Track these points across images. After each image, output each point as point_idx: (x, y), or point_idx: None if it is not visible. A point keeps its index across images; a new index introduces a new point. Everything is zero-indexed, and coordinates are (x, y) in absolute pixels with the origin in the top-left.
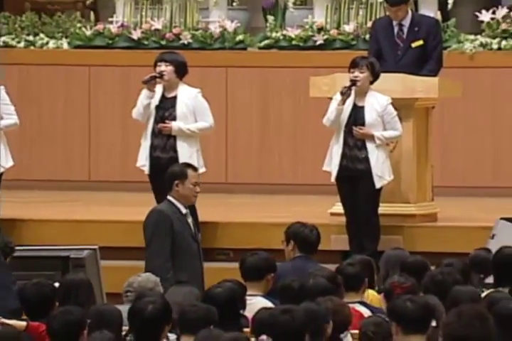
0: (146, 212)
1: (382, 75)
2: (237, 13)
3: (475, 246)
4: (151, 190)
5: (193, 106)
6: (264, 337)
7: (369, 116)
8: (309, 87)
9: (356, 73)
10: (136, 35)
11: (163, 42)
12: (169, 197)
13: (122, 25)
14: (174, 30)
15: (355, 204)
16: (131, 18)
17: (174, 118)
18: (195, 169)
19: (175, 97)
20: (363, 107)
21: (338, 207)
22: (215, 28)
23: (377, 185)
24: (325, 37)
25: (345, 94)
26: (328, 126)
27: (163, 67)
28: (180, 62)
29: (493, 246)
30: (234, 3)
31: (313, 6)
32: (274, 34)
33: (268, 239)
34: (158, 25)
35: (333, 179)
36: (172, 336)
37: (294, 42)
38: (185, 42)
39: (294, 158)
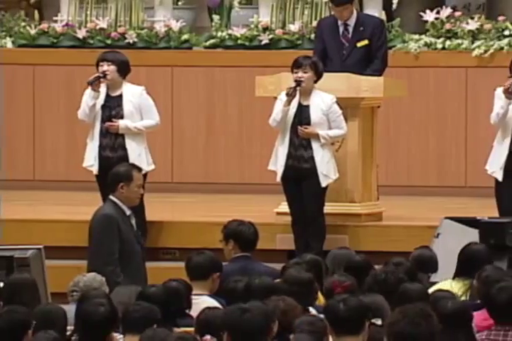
0: (91, 211)
1: (328, 75)
2: (182, 12)
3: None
4: (96, 190)
5: (138, 104)
6: (208, 337)
7: (314, 115)
8: (255, 87)
9: (300, 74)
10: (81, 34)
11: (109, 42)
12: (112, 198)
13: (67, 24)
14: (119, 30)
15: (301, 203)
16: (75, 17)
17: (121, 117)
18: (140, 170)
19: (120, 96)
20: (308, 106)
21: (284, 207)
22: (160, 28)
23: (323, 184)
24: (270, 36)
25: (290, 95)
26: (274, 127)
27: (105, 66)
28: (122, 61)
29: (438, 245)
30: (179, 3)
31: (258, 5)
32: (219, 33)
33: (214, 238)
34: (103, 24)
35: (278, 179)
36: (118, 336)
37: (239, 42)
38: (131, 41)
39: (240, 158)
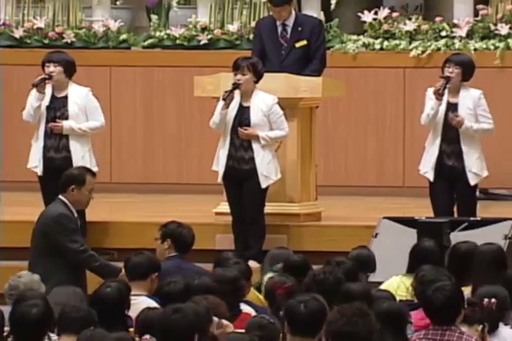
0: (29, 212)
1: (266, 75)
2: (120, 12)
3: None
4: (36, 190)
5: (84, 106)
6: (147, 336)
7: (254, 116)
8: (193, 87)
9: (238, 76)
10: (18, 33)
11: (46, 41)
12: (62, 198)
13: (4, 24)
14: (57, 29)
15: (242, 203)
16: (13, 17)
17: (66, 118)
18: (93, 175)
19: (65, 97)
20: (248, 107)
21: (224, 207)
22: (98, 27)
23: (263, 185)
24: (209, 36)
25: (227, 98)
26: (214, 129)
27: (51, 67)
28: (68, 62)
29: (377, 244)
30: (117, 2)
31: (196, 5)
32: (157, 33)
33: (153, 238)
34: (40, 23)
35: (219, 179)
36: (54, 336)
37: (177, 42)
38: (69, 41)
39: (179, 158)
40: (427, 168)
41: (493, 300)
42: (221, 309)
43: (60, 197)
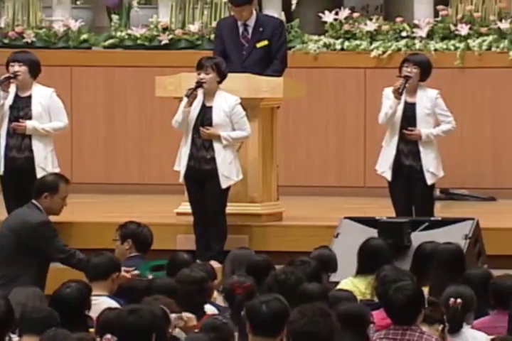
0: None
1: (228, 75)
2: (81, 12)
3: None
4: None
5: (47, 106)
6: (108, 335)
7: (216, 116)
8: (155, 87)
9: (202, 75)
10: None
11: (6, 41)
12: (36, 203)
13: None
14: (17, 29)
15: (203, 203)
16: None
17: (30, 118)
18: (67, 182)
19: (29, 97)
20: (211, 107)
21: (185, 207)
22: (59, 27)
23: (223, 186)
24: (170, 36)
25: (189, 96)
26: (177, 128)
27: (16, 67)
28: (33, 62)
29: (338, 244)
30: (78, 2)
31: (157, 5)
32: (118, 33)
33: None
34: (0, 23)
35: (181, 179)
36: (15, 337)
37: (139, 42)
38: (29, 40)
39: (140, 158)
40: (384, 167)
41: (458, 300)
42: (172, 308)
43: (34, 201)
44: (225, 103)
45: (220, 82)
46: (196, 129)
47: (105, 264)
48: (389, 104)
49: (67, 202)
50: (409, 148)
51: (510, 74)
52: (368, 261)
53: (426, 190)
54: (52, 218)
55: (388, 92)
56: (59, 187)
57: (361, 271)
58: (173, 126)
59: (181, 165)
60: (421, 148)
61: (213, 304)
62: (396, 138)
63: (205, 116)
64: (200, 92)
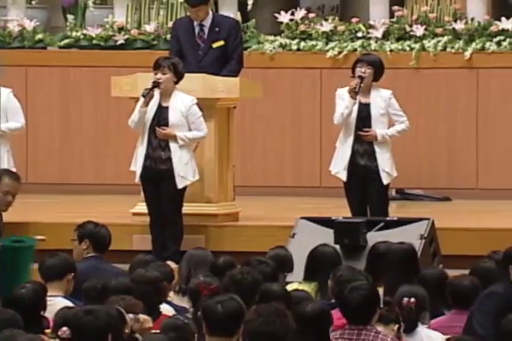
0: None
1: (184, 75)
2: (36, 11)
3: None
4: None
5: (5, 106)
6: (64, 328)
7: (173, 116)
8: (110, 87)
9: (159, 75)
10: None
11: None
12: None
13: None
14: None
15: (159, 204)
16: None
17: None
18: (13, 178)
19: None
20: (167, 108)
21: (141, 207)
22: (13, 27)
23: (180, 186)
24: (126, 36)
25: (146, 96)
26: (133, 128)
27: None
28: None
29: (294, 244)
30: (33, 2)
31: (113, 5)
32: (74, 33)
33: (69, 239)
34: None
35: (137, 179)
36: None
37: (94, 42)
38: None
39: (96, 158)
40: (338, 168)
41: (412, 299)
42: (137, 309)
43: None
44: (182, 103)
45: (176, 83)
46: (152, 129)
47: (60, 265)
48: (344, 105)
49: (20, 201)
50: (364, 148)
51: (465, 74)
52: (313, 268)
53: (381, 190)
54: (8, 218)
55: (342, 93)
56: (1, 180)
57: (307, 277)
58: (129, 126)
59: (137, 165)
60: (376, 148)
61: (171, 304)
62: (351, 139)
63: (161, 116)
64: (156, 92)
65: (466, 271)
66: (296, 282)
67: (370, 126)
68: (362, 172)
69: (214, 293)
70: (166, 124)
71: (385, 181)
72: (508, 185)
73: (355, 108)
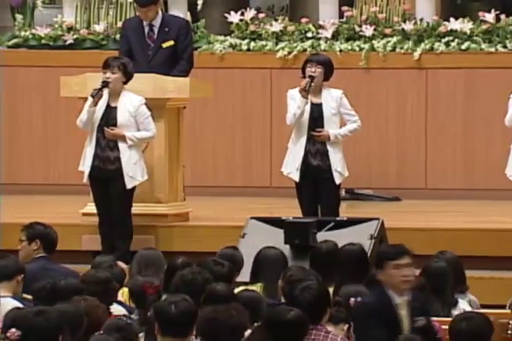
0: None
1: (134, 75)
2: None
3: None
4: None
5: None
6: (13, 329)
7: (121, 116)
8: (60, 87)
9: (108, 74)
10: None
11: None
12: None
13: None
14: None
15: (108, 204)
16: None
17: None
18: None
19: None
20: (115, 108)
21: (91, 207)
22: None
23: (129, 186)
24: (75, 36)
25: (95, 96)
26: (81, 128)
27: None
28: None
29: (244, 245)
30: None
31: (62, 5)
32: (22, 33)
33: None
34: None
35: (85, 180)
36: None
37: (43, 42)
38: None
39: (45, 158)
40: (290, 168)
41: (359, 299)
42: (98, 312)
43: None
44: (130, 103)
45: (125, 83)
46: (101, 129)
47: (9, 266)
48: (296, 105)
49: None
50: (316, 148)
51: (414, 74)
52: (258, 270)
53: (333, 190)
54: None
55: (293, 93)
56: None
57: (253, 279)
58: (78, 125)
59: (85, 165)
60: (329, 148)
61: (122, 304)
62: (304, 139)
63: (109, 117)
64: (105, 92)
65: (416, 271)
66: (243, 286)
67: (322, 126)
68: (314, 173)
69: (158, 292)
70: (115, 124)
71: (338, 181)
72: (457, 185)
73: (307, 108)
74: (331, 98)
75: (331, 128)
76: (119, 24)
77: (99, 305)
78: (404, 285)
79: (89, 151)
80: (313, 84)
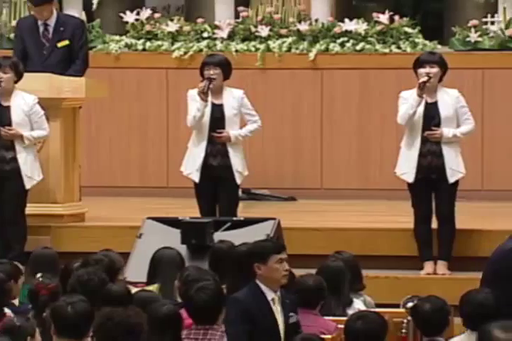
0: None
1: (29, 75)
2: None
3: (123, 246)
4: None
5: None
6: None
7: (15, 116)
8: None
9: (0, 74)
10: None
11: None
12: None
13: None
14: None
15: (2, 204)
16: None
17: None
18: None
19: None
20: (8, 107)
21: None
22: None
23: (28, 186)
24: None
25: None
26: None
27: None
28: None
29: (141, 245)
30: None
31: None
32: None
33: None
34: None
35: None
36: None
37: None
38: None
39: None
40: (190, 169)
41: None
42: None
43: None
44: (24, 102)
45: (16, 82)
46: None
47: None
48: (196, 106)
49: None
50: (217, 148)
51: (309, 75)
52: (154, 271)
53: (233, 190)
54: None
55: (193, 94)
56: None
57: (149, 279)
58: None
59: None
60: (229, 149)
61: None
62: (205, 140)
63: (3, 116)
64: None
65: (312, 271)
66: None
67: (223, 127)
68: (215, 173)
69: (53, 293)
70: (10, 124)
71: (239, 181)
72: (352, 185)
73: (208, 110)
74: (233, 99)
75: (232, 128)
76: (13, 23)
77: None
78: (283, 280)
79: None
80: (211, 86)
